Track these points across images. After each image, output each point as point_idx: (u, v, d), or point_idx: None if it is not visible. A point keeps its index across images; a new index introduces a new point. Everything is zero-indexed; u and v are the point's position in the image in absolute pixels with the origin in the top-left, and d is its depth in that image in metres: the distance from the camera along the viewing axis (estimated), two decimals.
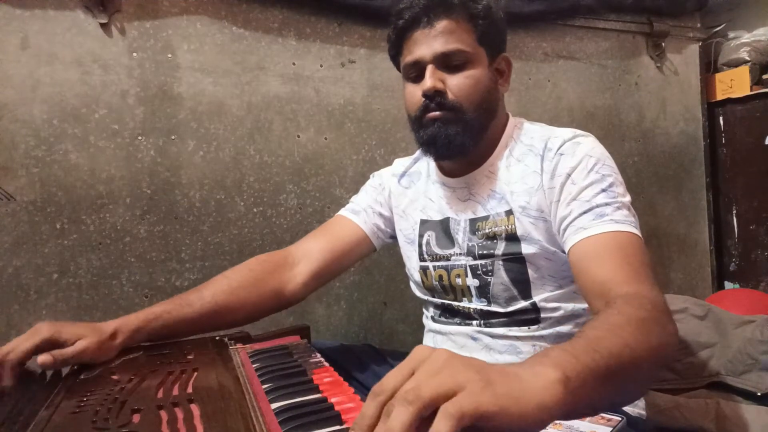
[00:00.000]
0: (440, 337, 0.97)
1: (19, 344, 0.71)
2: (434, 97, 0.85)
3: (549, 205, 0.83)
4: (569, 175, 0.81)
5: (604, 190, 0.78)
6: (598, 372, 0.47)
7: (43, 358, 0.70)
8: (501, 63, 0.91)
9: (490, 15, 0.86)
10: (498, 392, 0.38)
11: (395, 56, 0.93)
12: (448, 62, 0.85)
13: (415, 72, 0.87)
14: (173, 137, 1.32)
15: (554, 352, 0.47)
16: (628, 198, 0.79)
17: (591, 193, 0.78)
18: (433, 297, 0.98)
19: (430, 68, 0.84)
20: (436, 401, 0.37)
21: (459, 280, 0.91)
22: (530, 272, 0.85)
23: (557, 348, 0.48)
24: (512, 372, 0.42)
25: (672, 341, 0.60)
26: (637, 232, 0.75)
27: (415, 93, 0.87)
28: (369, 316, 1.54)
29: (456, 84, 0.85)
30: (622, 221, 0.75)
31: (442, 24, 0.84)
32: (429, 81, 0.84)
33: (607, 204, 0.76)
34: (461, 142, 0.86)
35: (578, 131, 0.86)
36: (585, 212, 0.77)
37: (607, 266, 0.71)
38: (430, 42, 0.84)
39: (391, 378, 0.41)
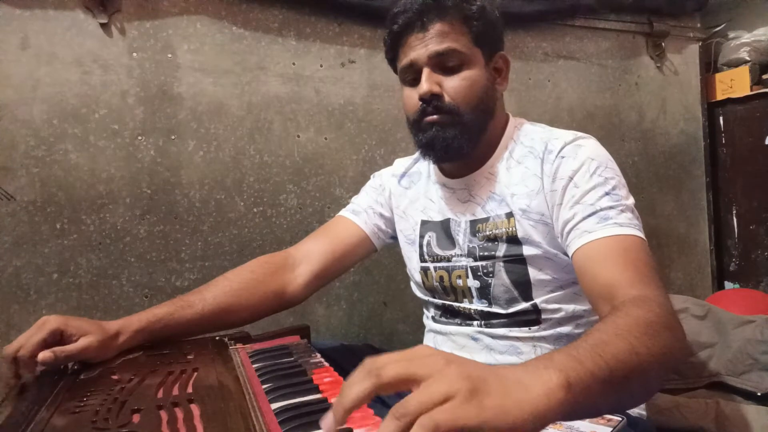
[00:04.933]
0: (441, 338, 0.97)
1: (29, 339, 0.71)
2: (431, 100, 0.84)
3: (550, 208, 0.83)
4: (571, 178, 0.80)
5: (607, 194, 0.78)
6: (603, 378, 0.47)
7: (43, 355, 0.70)
8: (498, 62, 0.90)
9: (485, 15, 0.86)
10: (484, 404, 0.39)
11: (392, 60, 0.93)
12: (443, 64, 0.84)
13: (411, 75, 0.87)
14: (173, 137, 1.32)
15: (559, 356, 0.47)
16: (631, 200, 0.79)
17: (594, 197, 0.78)
18: (434, 297, 0.98)
19: (425, 71, 0.84)
20: (418, 414, 0.38)
21: (460, 281, 0.91)
22: (531, 274, 0.85)
23: (562, 352, 0.48)
24: (513, 378, 0.42)
25: (681, 345, 0.60)
26: (641, 234, 0.75)
27: (412, 96, 0.87)
28: (369, 316, 1.54)
29: (452, 86, 0.84)
30: (626, 224, 0.75)
31: (436, 27, 0.83)
32: (425, 85, 0.84)
33: (611, 207, 0.76)
34: (459, 144, 0.85)
35: (579, 133, 0.86)
36: (589, 216, 0.77)
37: (612, 269, 0.71)
38: (424, 45, 0.84)
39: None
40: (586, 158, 0.81)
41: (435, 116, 0.85)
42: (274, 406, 0.55)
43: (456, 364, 0.41)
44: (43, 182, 1.21)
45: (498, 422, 0.38)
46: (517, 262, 0.86)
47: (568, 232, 0.79)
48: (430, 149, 0.88)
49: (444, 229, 0.95)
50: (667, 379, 1.18)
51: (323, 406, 0.55)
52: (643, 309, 0.59)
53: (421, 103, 0.85)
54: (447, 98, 0.84)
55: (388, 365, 0.41)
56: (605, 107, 1.92)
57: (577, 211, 0.78)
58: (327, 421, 0.41)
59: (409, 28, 0.85)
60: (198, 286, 0.93)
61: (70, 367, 0.75)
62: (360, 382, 0.41)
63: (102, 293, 1.26)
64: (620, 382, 0.49)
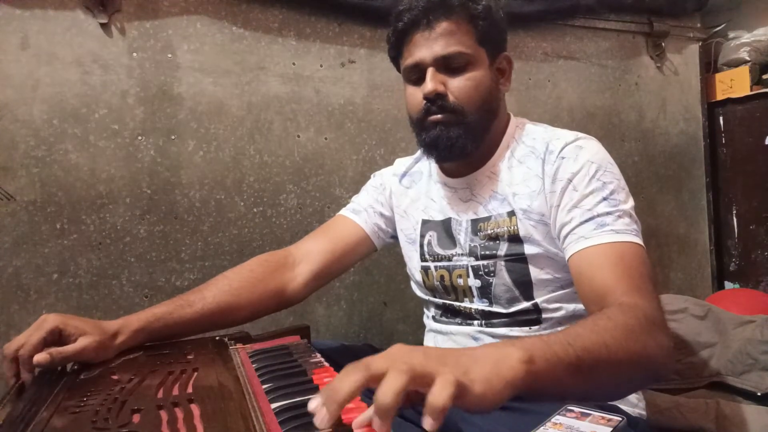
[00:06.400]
0: (441, 337, 0.97)
1: (28, 338, 0.71)
2: (435, 100, 0.84)
3: (549, 209, 0.83)
4: (570, 181, 0.80)
5: (605, 199, 0.78)
6: (568, 362, 0.52)
7: (39, 356, 0.69)
8: (502, 62, 0.91)
9: (491, 15, 0.86)
10: (473, 377, 0.45)
11: (395, 58, 0.93)
12: (448, 64, 0.84)
13: (415, 74, 0.87)
14: (173, 137, 1.32)
15: (531, 338, 0.53)
16: (630, 204, 0.79)
17: (592, 202, 0.78)
18: (435, 297, 0.98)
19: (430, 71, 0.84)
20: (424, 376, 0.43)
21: (460, 281, 0.91)
22: (532, 273, 0.85)
23: (535, 336, 0.54)
24: (485, 355, 0.48)
25: (662, 353, 0.63)
26: (638, 240, 0.75)
27: (416, 95, 0.87)
28: (369, 316, 1.54)
29: (457, 86, 0.84)
30: (623, 231, 0.75)
31: (441, 26, 0.83)
32: (430, 84, 0.84)
33: (608, 213, 0.76)
34: (463, 144, 0.86)
35: (580, 134, 0.86)
36: (586, 221, 0.77)
37: (606, 277, 0.71)
38: (430, 44, 0.84)
39: (378, 360, 0.44)
40: (586, 161, 0.81)
41: (439, 116, 0.85)
42: (274, 406, 0.55)
43: (434, 353, 0.47)
44: (43, 182, 1.21)
45: (486, 388, 0.45)
46: (518, 261, 0.86)
47: (565, 236, 0.79)
48: (433, 148, 0.88)
49: (445, 228, 0.95)
50: (653, 382, 1.17)
51: None
52: (626, 314, 0.62)
53: (425, 102, 0.85)
54: (452, 98, 0.84)
55: (375, 360, 0.45)
56: (605, 107, 1.92)
57: (574, 216, 0.78)
58: (320, 416, 0.43)
59: (415, 26, 0.85)
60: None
61: (70, 367, 0.74)
62: (351, 374, 0.43)
63: (102, 293, 1.26)
64: (588, 371, 0.54)
